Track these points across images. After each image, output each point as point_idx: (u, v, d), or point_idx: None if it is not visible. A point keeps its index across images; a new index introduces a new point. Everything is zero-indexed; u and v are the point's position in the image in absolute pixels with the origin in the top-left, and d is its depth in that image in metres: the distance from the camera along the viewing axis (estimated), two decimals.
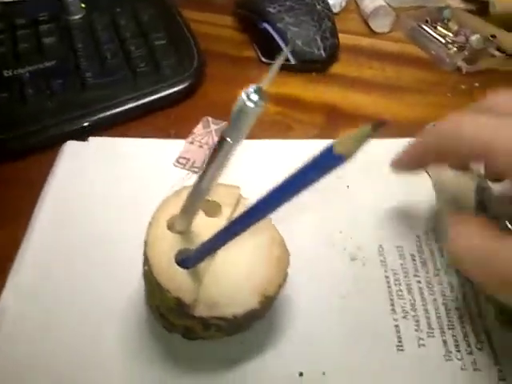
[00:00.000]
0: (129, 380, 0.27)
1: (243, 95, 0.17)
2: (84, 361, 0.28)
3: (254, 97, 0.17)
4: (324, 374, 0.28)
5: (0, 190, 0.36)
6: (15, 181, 0.37)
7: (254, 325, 0.29)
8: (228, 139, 0.20)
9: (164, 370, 0.28)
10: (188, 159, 0.39)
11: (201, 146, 0.40)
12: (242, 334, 0.29)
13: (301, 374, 0.28)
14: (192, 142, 0.40)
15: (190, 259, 0.25)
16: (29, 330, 0.29)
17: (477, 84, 0.45)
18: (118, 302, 0.30)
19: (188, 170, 0.38)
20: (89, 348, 0.28)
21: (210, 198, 0.28)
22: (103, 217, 0.34)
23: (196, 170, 0.38)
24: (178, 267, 0.26)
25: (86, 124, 0.41)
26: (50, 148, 0.39)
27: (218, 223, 0.27)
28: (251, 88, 0.18)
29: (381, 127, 0.14)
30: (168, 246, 0.26)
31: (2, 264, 0.31)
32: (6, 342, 0.28)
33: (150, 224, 0.27)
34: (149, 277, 0.26)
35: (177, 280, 0.25)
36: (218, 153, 0.20)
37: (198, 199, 0.24)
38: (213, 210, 0.29)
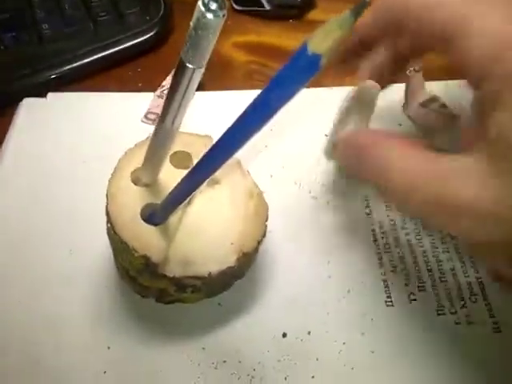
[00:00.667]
0: (96, 348, 0.25)
1: (200, 4, 0.15)
2: (48, 326, 0.26)
3: (213, 5, 0.15)
4: (309, 333, 0.26)
5: None
6: None
7: (233, 285, 0.27)
8: (188, 64, 0.17)
9: (136, 338, 0.25)
10: (157, 114, 0.36)
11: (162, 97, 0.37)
12: (220, 296, 0.27)
13: (284, 335, 0.26)
14: (161, 96, 0.37)
15: (156, 214, 0.23)
16: None
17: None
18: (85, 266, 0.28)
19: None
20: (53, 313, 0.26)
21: (178, 149, 0.26)
22: (65, 177, 0.31)
23: None
24: (144, 223, 0.23)
25: (44, 79, 0.38)
26: (9, 106, 0.36)
27: None
28: None
29: (363, 9, 0.12)
30: (132, 200, 0.23)
31: None
32: None
33: (112, 176, 0.24)
34: (112, 235, 0.23)
35: (143, 237, 0.23)
36: (179, 82, 0.17)
37: (162, 143, 0.21)
38: (182, 160, 0.26)
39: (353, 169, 0.22)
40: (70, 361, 0.25)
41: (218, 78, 0.38)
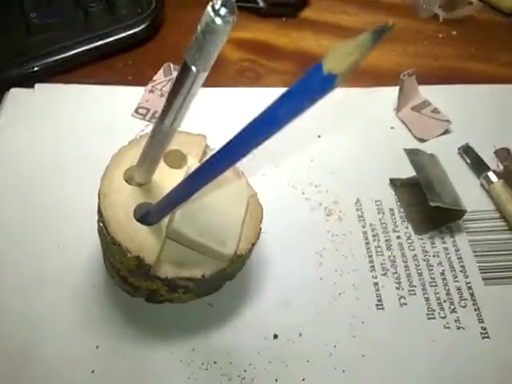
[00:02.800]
0: (84, 347, 0.24)
1: (209, 9, 0.14)
2: (35, 325, 0.25)
3: (223, 10, 0.14)
4: (300, 335, 0.26)
5: None
6: None
7: (224, 285, 0.27)
8: (193, 67, 0.16)
9: (125, 337, 0.25)
10: (148, 109, 0.35)
11: (162, 95, 0.36)
12: (211, 296, 0.26)
13: (275, 337, 0.25)
14: (152, 91, 0.36)
15: (151, 214, 0.22)
16: None
17: (454, 32, 0.43)
18: (73, 263, 0.27)
19: (148, 121, 0.35)
20: (40, 312, 0.25)
21: (173, 148, 0.25)
22: (51, 172, 0.31)
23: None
24: (137, 223, 0.23)
25: (31, 70, 0.37)
26: None
27: (183, 175, 0.24)
28: (218, 0, 0.14)
29: (384, 33, 0.11)
30: (126, 199, 0.23)
31: None
32: None
33: (104, 175, 0.24)
34: (104, 234, 0.23)
35: (137, 238, 0.22)
36: (182, 84, 0.17)
37: (160, 143, 0.21)
38: (176, 160, 0.25)
39: None
40: (58, 360, 0.24)
41: (209, 74, 0.38)
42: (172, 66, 0.38)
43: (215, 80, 0.38)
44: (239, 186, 0.25)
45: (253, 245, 0.24)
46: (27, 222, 0.28)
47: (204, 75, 0.17)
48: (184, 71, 0.17)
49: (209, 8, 0.14)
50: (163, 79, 0.37)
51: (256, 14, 0.43)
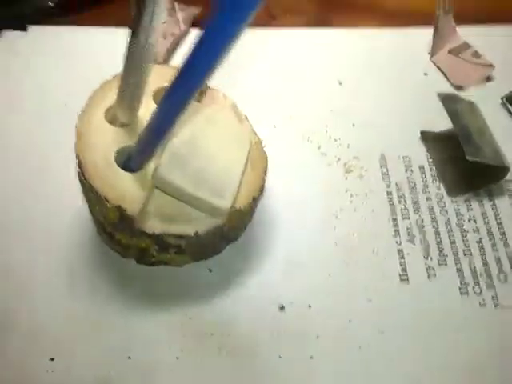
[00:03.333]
0: (73, 312, 0.22)
1: None
2: (21, 288, 0.22)
3: None
4: (310, 306, 0.22)
5: None
6: None
7: (226, 248, 0.23)
8: None
9: (116, 303, 0.22)
10: None
11: (164, 37, 0.32)
12: (210, 260, 0.23)
13: (282, 308, 0.22)
14: None
15: (132, 158, 0.19)
16: None
17: None
18: (60, 220, 0.24)
19: None
20: (25, 275, 0.23)
21: (161, 84, 0.21)
22: (43, 117, 0.28)
23: (159, 62, 0.30)
24: (118, 169, 0.19)
25: (25, 10, 0.33)
26: None
27: None
28: None
29: None
30: (106, 141, 0.20)
31: None
32: None
33: (83, 111, 0.20)
34: (82, 181, 0.19)
35: (117, 184, 0.19)
36: None
37: (136, 66, 0.17)
38: None
39: None
40: (45, 325, 0.21)
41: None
42: (176, 4, 0.34)
43: None
44: (240, 131, 0.22)
45: (254, 199, 0.21)
46: (13, 171, 0.25)
47: None
48: None
49: None
50: (166, 19, 0.33)
51: None
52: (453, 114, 0.26)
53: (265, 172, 0.22)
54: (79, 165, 0.19)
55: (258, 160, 0.22)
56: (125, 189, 0.19)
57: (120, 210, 0.19)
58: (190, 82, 0.14)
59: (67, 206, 0.24)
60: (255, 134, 0.22)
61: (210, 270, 0.23)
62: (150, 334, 0.21)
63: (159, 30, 0.16)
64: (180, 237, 0.20)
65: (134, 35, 0.15)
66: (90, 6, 0.35)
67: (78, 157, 0.19)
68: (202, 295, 0.22)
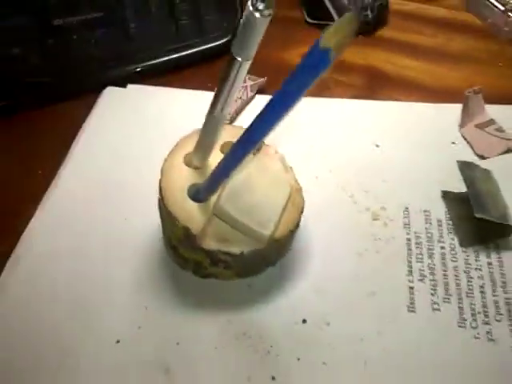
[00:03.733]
0: (135, 306, 0.28)
1: (249, 4, 0.17)
2: (97, 282, 0.29)
3: (261, 5, 0.17)
4: (328, 324, 0.27)
5: (45, 128, 0.38)
6: (59, 120, 0.39)
7: (265, 271, 0.29)
8: (237, 57, 0.19)
9: (171, 303, 0.28)
10: None
11: (235, 100, 0.40)
12: (251, 278, 0.29)
13: (304, 321, 0.27)
14: None
15: (200, 192, 0.25)
16: (55, 253, 0.30)
17: None
18: (139, 239, 0.31)
19: None
20: (102, 272, 0.29)
21: (228, 140, 0.28)
22: (131, 157, 0.35)
23: (227, 122, 0.38)
24: (189, 199, 0.26)
25: (126, 72, 0.42)
26: (95, 92, 0.41)
27: None
28: None
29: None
30: (182, 178, 0.26)
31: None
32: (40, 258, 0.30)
33: (168, 155, 0.27)
34: (161, 206, 0.26)
35: (187, 210, 0.25)
36: (228, 73, 0.20)
37: (212, 129, 0.24)
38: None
39: None
40: (113, 314, 0.28)
41: (280, 83, 0.41)
42: (247, 75, 0.41)
43: None
44: (285, 177, 0.28)
45: (291, 231, 0.27)
46: (104, 198, 0.33)
47: (247, 64, 0.20)
48: (230, 61, 0.20)
49: (249, 3, 0.17)
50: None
51: None
52: (467, 178, 0.31)
53: (301, 212, 0.27)
54: (160, 193, 0.26)
55: (296, 201, 0.27)
56: (192, 214, 0.25)
57: (186, 229, 0.25)
58: (252, 140, 0.19)
59: (146, 226, 0.31)
60: (297, 182, 0.28)
61: (250, 286, 0.29)
62: (197, 329, 0.27)
63: (231, 105, 0.22)
64: (229, 254, 0.26)
65: (213, 106, 0.22)
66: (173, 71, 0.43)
67: (160, 188, 0.26)
68: (241, 305, 0.28)
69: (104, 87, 0.41)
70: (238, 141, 0.20)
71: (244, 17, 0.18)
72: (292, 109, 0.17)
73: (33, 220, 0.31)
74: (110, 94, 0.40)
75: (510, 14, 0.43)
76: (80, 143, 0.36)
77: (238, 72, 0.20)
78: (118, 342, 0.27)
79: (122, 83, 0.41)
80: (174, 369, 0.26)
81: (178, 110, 0.39)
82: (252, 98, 0.39)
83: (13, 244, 0.30)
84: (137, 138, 0.37)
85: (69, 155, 0.36)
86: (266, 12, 0.17)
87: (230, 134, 0.28)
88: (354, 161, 0.35)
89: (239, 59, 0.19)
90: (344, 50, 0.14)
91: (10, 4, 0.45)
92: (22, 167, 0.35)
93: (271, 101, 0.17)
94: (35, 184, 0.34)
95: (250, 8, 0.17)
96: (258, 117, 0.18)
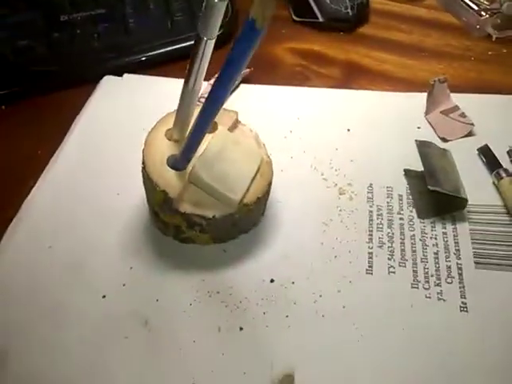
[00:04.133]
0: (121, 265, 0.31)
1: None
2: (89, 251, 0.32)
3: None
4: (293, 283, 0.30)
5: (48, 113, 0.42)
6: (62, 106, 0.43)
7: (239, 238, 0.32)
8: (202, 36, 0.22)
9: (153, 264, 0.31)
10: None
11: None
12: (226, 244, 0.32)
13: (272, 281, 0.30)
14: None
15: (178, 161, 0.29)
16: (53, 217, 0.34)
17: (505, 50, 0.45)
18: (128, 210, 0.34)
19: None
20: (94, 236, 0.33)
21: None
22: (125, 138, 0.38)
23: None
24: (168, 167, 0.29)
25: (125, 63, 0.46)
26: (94, 82, 0.44)
27: (210, 137, 0.30)
28: None
29: None
30: (163, 149, 0.30)
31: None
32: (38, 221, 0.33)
33: (151, 130, 0.30)
34: (144, 174, 0.29)
35: (165, 177, 0.29)
36: (197, 51, 0.23)
37: (186, 103, 0.27)
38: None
39: None
40: (101, 272, 0.31)
41: (265, 74, 0.44)
42: None
43: (271, 79, 0.45)
44: (257, 152, 0.31)
45: (258, 198, 0.30)
46: (99, 172, 0.36)
47: (212, 42, 0.23)
48: (197, 40, 0.23)
49: None
50: None
51: (317, 29, 0.49)
52: (423, 155, 0.33)
53: (269, 182, 0.30)
54: (143, 163, 0.29)
55: (265, 173, 0.31)
56: (170, 181, 0.28)
57: (165, 193, 0.28)
58: (214, 98, 0.23)
59: (136, 199, 0.34)
60: (268, 156, 0.32)
61: (225, 251, 0.32)
62: (175, 287, 0.30)
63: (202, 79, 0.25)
64: (203, 218, 0.29)
65: (187, 79, 0.25)
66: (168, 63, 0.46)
67: (143, 157, 0.29)
68: (216, 267, 0.31)
69: (103, 76, 0.44)
70: (205, 102, 0.23)
71: (206, 1, 0.21)
72: (241, 70, 0.20)
73: (34, 189, 0.35)
74: (108, 82, 0.44)
75: (482, 13, 0.46)
76: (79, 124, 0.40)
77: (204, 50, 0.23)
78: (104, 296, 0.30)
79: (121, 73, 0.45)
80: (152, 321, 0.29)
81: (171, 98, 0.42)
82: (237, 86, 0.42)
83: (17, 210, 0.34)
84: (130, 121, 0.40)
85: (68, 134, 0.39)
86: None
87: None
88: (327, 143, 0.38)
89: (205, 38, 0.23)
90: (268, 19, 0.17)
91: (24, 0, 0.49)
92: (26, 148, 0.39)
93: (225, 64, 0.20)
94: (37, 162, 0.37)
95: None
96: (217, 79, 0.21)
